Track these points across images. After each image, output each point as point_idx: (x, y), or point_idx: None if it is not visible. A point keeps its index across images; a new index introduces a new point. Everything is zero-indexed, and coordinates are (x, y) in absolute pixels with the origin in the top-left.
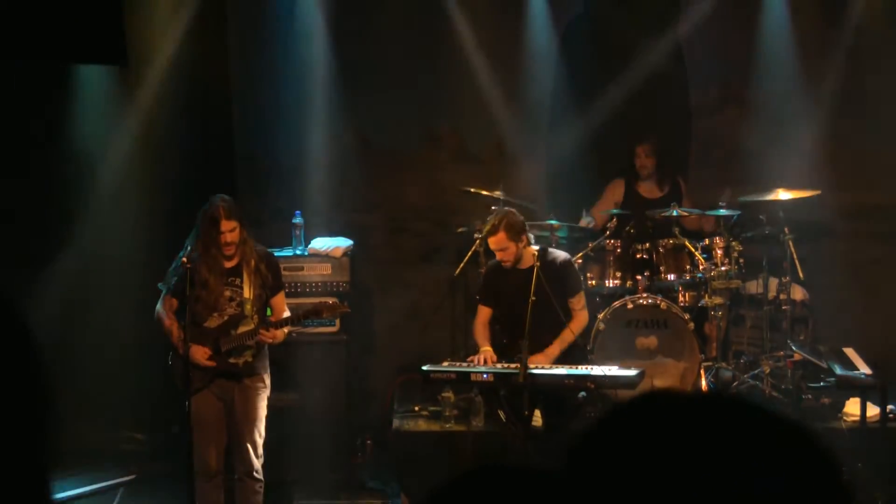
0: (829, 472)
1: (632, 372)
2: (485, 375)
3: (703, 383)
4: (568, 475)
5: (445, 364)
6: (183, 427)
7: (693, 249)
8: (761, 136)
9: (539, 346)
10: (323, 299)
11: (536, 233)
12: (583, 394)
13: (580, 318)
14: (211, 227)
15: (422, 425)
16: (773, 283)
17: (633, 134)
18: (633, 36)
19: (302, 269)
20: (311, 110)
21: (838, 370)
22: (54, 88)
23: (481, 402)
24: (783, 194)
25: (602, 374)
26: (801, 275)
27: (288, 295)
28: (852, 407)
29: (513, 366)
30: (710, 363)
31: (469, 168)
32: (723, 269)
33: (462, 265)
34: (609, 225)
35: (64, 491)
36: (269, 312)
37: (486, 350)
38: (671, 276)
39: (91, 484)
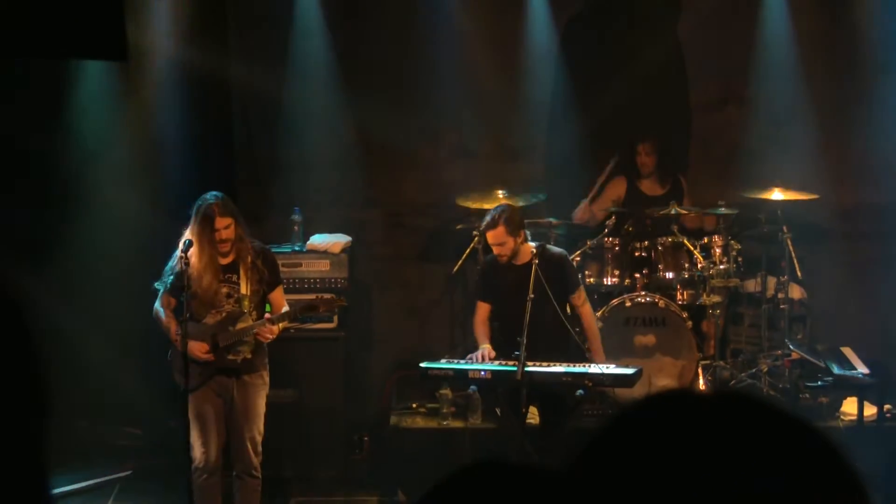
0: (843, 470)
1: (630, 370)
2: (483, 373)
3: (701, 381)
4: (579, 474)
5: (443, 361)
6: (179, 423)
7: (692, 248)
8: (761, 136)
9: (538, 344)
10: (319, 295)
11: (533, 230)
12: (581, 392)
13: (589, 312)
14: (206, 225)
15: (419, 422)
16: (772, 281)
17: (633, 133)
18: (633, 36)
19: (300, 265)
20: (311, 107)
21: (836, 369)
22: (54, 84)
23: (479, 399)
24: (782, 194)
25: (600, 371)
26: (799, 274)
27: (286, 291)
28: (849, 406)
29: (511, 363)
30: (707, 361)
31: (468, 165)
32: (721, 267)
33: (460, 262)
34: (608, 223)
35: (60, 486)
36: (268, 308)
37: (486, 347)
38: (670, 274)
39: (88, 479)
